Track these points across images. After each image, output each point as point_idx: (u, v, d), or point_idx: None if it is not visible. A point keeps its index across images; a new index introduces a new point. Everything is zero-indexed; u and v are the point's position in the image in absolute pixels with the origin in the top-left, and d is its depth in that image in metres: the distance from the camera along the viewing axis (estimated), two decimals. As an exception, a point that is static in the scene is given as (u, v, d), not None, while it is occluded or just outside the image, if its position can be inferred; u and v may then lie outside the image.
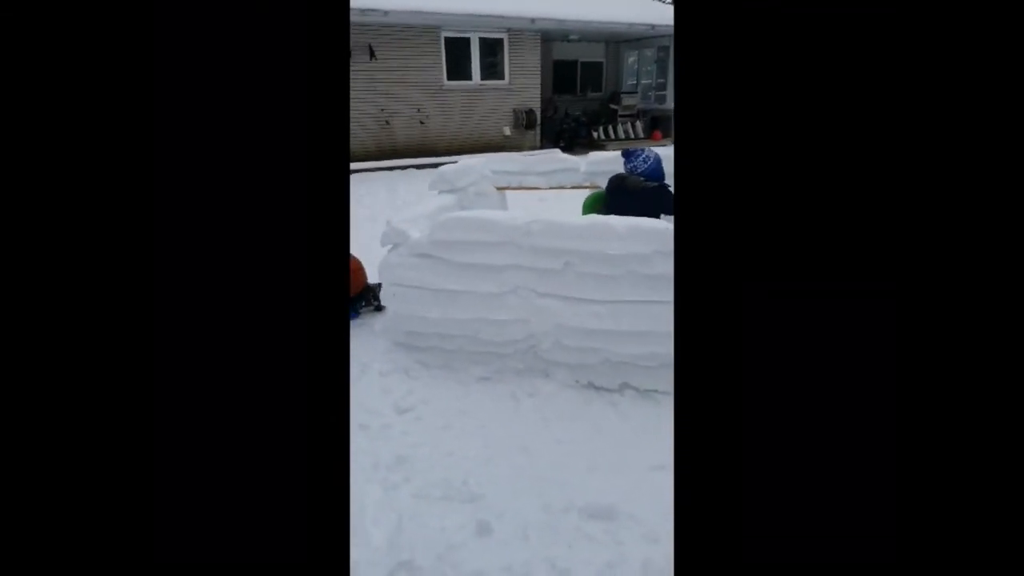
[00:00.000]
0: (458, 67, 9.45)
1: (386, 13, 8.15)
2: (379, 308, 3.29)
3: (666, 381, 2.53)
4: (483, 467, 2.16)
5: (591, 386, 2.65)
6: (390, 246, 2.76)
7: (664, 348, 2.45)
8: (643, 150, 3.14)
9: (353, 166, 8.18)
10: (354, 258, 3.19)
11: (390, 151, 9.20)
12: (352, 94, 8.74)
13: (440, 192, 3.27)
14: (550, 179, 3.82)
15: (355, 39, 8.48)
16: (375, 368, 2.82)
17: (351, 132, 8.89)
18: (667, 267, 2.37)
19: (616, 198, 3.06)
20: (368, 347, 3.02)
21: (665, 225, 2.40)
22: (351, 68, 8.59)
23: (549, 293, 2.52)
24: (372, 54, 8.67)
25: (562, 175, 3.83)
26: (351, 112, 8.80)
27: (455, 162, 3.55)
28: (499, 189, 3.88)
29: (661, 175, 3.08)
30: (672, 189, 3.34)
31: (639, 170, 3.09)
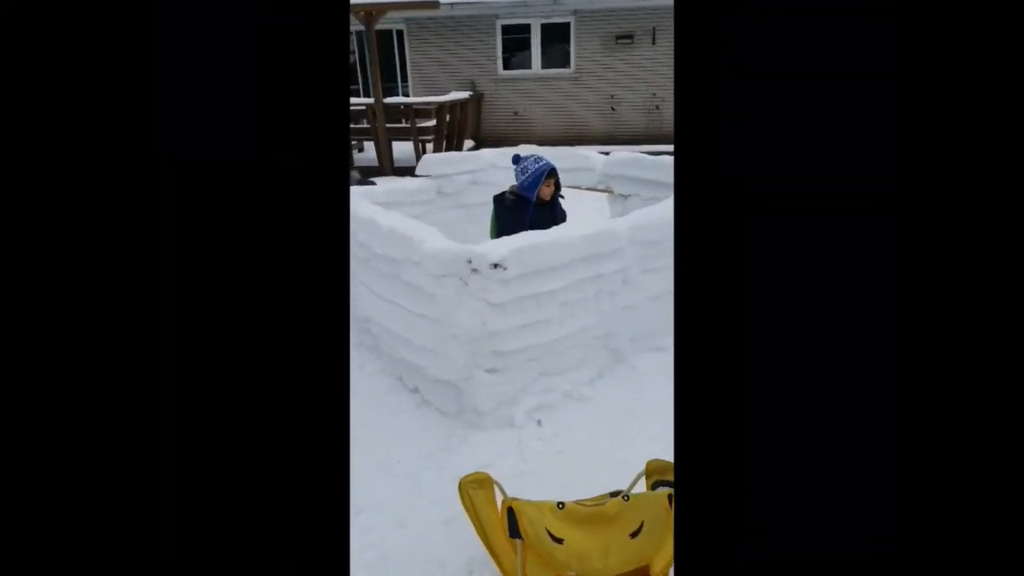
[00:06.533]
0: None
1: (666, -5, 7.92)
2: None
3: (447, 399, 2.40)
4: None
5: (400, 379, 2.69)
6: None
7: (427, 362, 2.34)
8: (528, 157, 2.73)
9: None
10: None
11: (659, 136, 8.99)
12: (627, 78, 8.85)
13: (429, 177, 3.54)
14: (566, 178, 3.55)
15: (640, 24, 8.50)
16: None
17: (622, 116, 9.05)
18: (418, 278, 2.24)
19: (498, 213, 2.81)
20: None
21: (427, 233, 2.23)
22: (633, 51, 8.67)
23: (357, 278, 2.66)
24: (654, 39, 8.53)
25: (579, 175, 3.51)
26: (621, 94, 8.95)
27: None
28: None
29: (532, 189, 2.65)
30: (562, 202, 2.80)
31: (517, 181, 2.73)
